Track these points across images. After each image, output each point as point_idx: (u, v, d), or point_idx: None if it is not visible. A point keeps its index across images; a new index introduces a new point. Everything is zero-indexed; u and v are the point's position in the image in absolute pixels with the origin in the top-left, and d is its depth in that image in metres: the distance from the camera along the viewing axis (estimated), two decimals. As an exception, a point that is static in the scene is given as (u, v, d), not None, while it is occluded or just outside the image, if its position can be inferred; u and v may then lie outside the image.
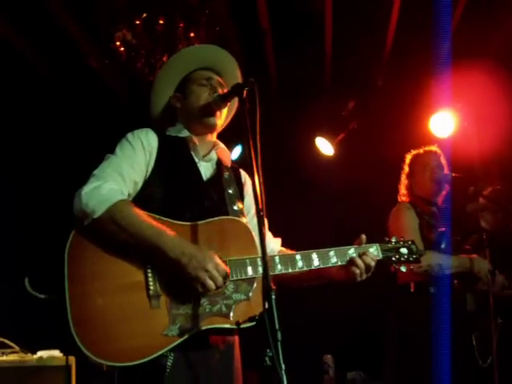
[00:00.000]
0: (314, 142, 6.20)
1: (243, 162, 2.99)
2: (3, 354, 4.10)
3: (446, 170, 4.58)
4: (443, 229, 4.35)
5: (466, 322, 4.59)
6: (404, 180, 4.69)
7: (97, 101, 6.23)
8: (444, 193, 4.57)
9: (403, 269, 2.88)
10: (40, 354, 4.14)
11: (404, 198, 4.64)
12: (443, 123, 5.41)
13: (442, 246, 4.26)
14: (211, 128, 2.84)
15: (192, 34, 4.59)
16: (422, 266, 4.03)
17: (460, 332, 4.14)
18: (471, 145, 5.19)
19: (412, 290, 4.33)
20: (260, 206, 2.24)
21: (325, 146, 6.17)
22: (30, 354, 4.16)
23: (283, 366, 1.95)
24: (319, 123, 6.14)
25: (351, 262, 2.69)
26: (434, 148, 4.68)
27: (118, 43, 4.64)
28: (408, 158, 4.72)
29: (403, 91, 5.94)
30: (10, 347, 4.20)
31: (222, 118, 2.87)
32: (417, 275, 4.16)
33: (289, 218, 4.64)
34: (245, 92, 2.47)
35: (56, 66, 5.70)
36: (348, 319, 6.09)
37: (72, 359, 4.10)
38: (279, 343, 1.98)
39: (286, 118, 6.17)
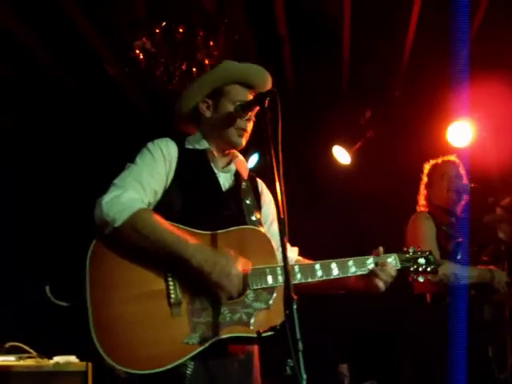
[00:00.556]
0: (331, 150, 6.19)
1: (260, 171, 3.01)
2: (20, 358, 4.11)
3: (465, 180, 4.55)
4: (460, 239, 4.33)
5: (483, 332, 4.57)
6: (423, 190, 4.66)
7: (115, 108, 6.26)
8: (463, 203, 4.54)
9: (421, 279, 2.88)
10: (56, 359, 4.15)
11: (423, 208, 4.61)
12: (461, 133, 5.38)
13: (458, 256, 4.24)
14: (236, 147, 2.86)
15: (211, 43, 4.61)
16: (437, 276, 4.02)
17: (477, 342, 4.11)
18: (489, 155, 5.15)
19: (428, 300, 4.31)
20: (282, 216, 2.24)
21: (342, 155, 6.17)
22: (46, 359, 4.16)
23: (304, 376, 1.96)
24: (336, 132, 6.14)
25: (373, 273, 2.71)
26: (452, 158, 4.65)
27: (137, 51, 4.67)
28: (426, 167, 4.69)
29: (421, 100, 5.93)
30: (27, 352, 4.21)
31: (248, 135, 2.85)
32: (432, 285, 4.14)
33: (306, 227, 4.62)
34: (266, 102, 2.48)
35: (75, 73, 5.75)
36: (364, 328, 6.07)
37: (88, 365, 4.11)
38: (300, 353, 1.98)
39: (302, 126, 6.17)
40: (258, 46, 5.38)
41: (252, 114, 2.81)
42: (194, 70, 4.67)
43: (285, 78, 6.09)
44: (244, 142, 2.83)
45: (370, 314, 5.79)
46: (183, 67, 4.64)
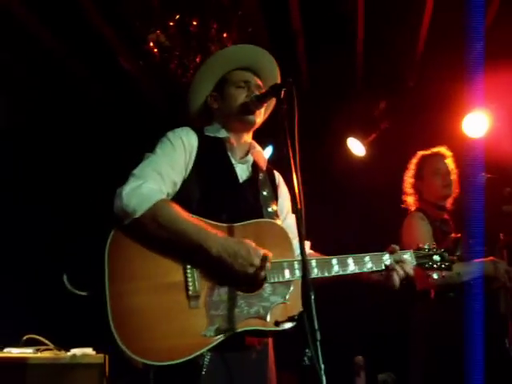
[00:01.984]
0: (345, 142, 6.17)
1: (275, 162, 3.00)
2: (37, 351, 4.14)
3: (455, 174, 4.49)
4: (458, 235, 4.29)
5: (500, 324, 4.55)
6: (410, 179, 4.58)
7: (130, 102, 6.28)
8: (454, 195, 4.48)
9: (435, 276, 2.92)
10: (73, 351, 4.19)
11: (413, 202, 4.54)
12: (476, 124, 5.35)
13: (458, 252, 4.20)
14: (250, 126, 2.85)
15: (225, 35, 4.61)
16: (444, 277, 4.01)
17: (493, 334, 4.10)
18: (505, 145, 5.12)
19: (432, 296, 4.27)
20: (299, 207, 2.24)
21: (356, 147, 6.15)
22: (63, 352, 4.20)
23: (322, 365, 1.96)
24: (351, 124, 6.12)
25: (391, 269, 2.72)
26: (442, 150, 4.58)
27: (151, 44, 4.68)
28: (416, 158, 4.62)
29: (435, 91, 5.89)
30: (44, 344, 4.24)
31: (261, 116, 2.87)
32: (437, 286, 4.11)
33: (320, 219, 4.62)
34: (282, 92, 2.47)
35: (90, 68, 5.77)
36: (379, 320, 6.06)
37: (105, 357, 4.14)
38: (318, 343, 1.99)
39: (317, 118, 6.15)
40: (272, 37, 5.36)
41: (258, 89, 2.83)
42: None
43: (299, 70, 6.08)
44: (257, 120, 2.83)
45: (386, 306, 5.78)
46: (197, 60, 4.64)
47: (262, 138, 3.01)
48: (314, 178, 5.90)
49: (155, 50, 4.69)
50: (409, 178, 4.60)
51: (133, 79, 5.89)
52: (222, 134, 2.83)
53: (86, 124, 6.29)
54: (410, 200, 4.56)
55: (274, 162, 3.05)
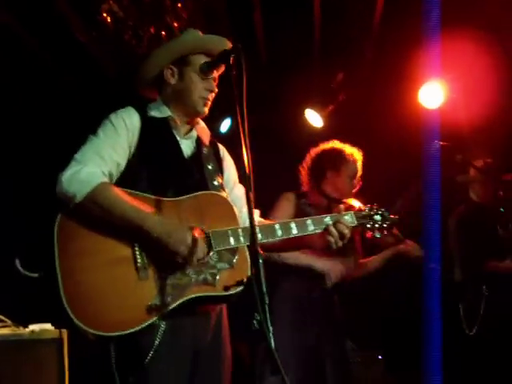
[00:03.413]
0: (303, 113, 6.17)
1: (232, 135, 3.00)
2: (-5, 327, 4.11)
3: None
4: None
5: (453, 291, 4.66)
6: (321, 164, 4.36)
7: (84, 73, 6.17)
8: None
9: (377, 235, 2.96)
10: (32, 327, 4.16)
11: (305, 182, 4.40)
12: (432, 94, 5.38)
13: None
14: (199, 115, 2.89)
15: (179, 5, 4.55)
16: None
17: (447, 301, 4.17)
18: (460, 115, 5.19)
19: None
20: (247, 172, 2.24)
21: (314, 118, 6.15)
22: (21, 328, 4.17)
23: (271, 328, 1.99)
24: (308, 95, 6.12)
25: (326, 230, 2.77)
26: (359, 154, 4.41)
27: (104, 15, 4.60)
28: (336, 149, 4.40)
29: (392, 62, 5.92)
30: (2, 321, 4.20)
31: (210, 103, 2.88)
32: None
33: (276, 190, 4.64)
34: (231, 59, 2.47)
35: (42, 38, 5.63)
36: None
37: (64, 332, 4.13)
38: (267, 306, 2.01)
39: (275, 90, 6.15)
40: (228, 7, 5.31)
41: (215, 81, 2.85)
42: (163, 33, 4.62)
43: (256, 41, 6.04)
44: (207, 110, 2.87)
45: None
46: (152, 30, 4.59)
47: (220, 111, 3.02)
48: (271, 149, 5.93)
49: (109, 20, 4.61)
50: (318, 161, 4.40)
51: (87, 51, 5.77)
52: (165, 113, 2.84)
53: (37, 99, 6.17)
54: (304, 178, 4.41)
55: (232, 135, 3.05)
